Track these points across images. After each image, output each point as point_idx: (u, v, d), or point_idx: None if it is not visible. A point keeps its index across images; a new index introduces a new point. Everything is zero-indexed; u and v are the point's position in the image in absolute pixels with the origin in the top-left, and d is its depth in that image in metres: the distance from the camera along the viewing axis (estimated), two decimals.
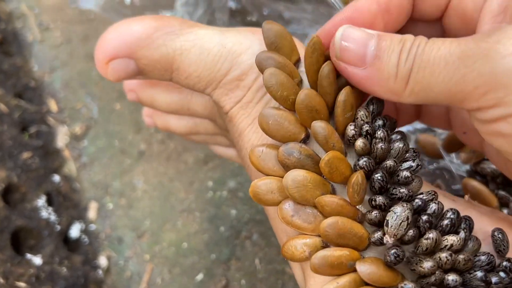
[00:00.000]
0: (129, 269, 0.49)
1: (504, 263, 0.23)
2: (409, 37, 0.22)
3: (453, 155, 0.39)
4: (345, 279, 0.22)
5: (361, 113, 0.24)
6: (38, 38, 0.67)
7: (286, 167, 0.23)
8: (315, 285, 0.23)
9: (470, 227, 0.23)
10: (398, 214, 0.21)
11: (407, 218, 0.21)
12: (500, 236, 0.23)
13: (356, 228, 0.22)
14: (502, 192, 0.34)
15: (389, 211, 0.22)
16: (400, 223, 0.21)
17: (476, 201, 0.34)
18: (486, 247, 0.24)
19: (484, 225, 0.25)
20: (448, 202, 0.25)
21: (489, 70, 0.18)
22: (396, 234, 0.21)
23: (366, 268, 0.21)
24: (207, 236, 0.49)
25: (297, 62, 0.26)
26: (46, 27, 0.68)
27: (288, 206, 0.23)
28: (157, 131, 0.57)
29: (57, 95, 0.62)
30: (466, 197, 0.27)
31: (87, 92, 0.61)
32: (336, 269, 0.22)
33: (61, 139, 0.59)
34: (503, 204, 0.34)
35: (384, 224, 0.22)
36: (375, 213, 0.22)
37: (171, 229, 0.50)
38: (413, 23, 0.27)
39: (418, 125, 0.41)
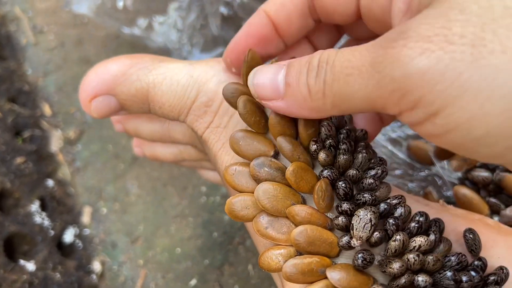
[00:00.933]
0: (123, 274, 0.49)
1: (476, 262, 0.23)
2: (316, 53, 0.22)
3: (444, 162, 0.39)
4: (319, 286, 0.22)
5: (323, 129, 0.25)
6: (31, 42, 0.67)
7: (258, 181, 0.24)
8: None
9: (440, 228, 0.24)
10: (361, 216, 0.22)
11: (370, 220, 0.22)
12: (471, 236, 0.24)
13: (325, 234, 0.23)
14: (493, 200, 0.34)
15: (354, 215, 0.23)
16: (364, 225, 0.22)
17: (466, 208, 0.34)
18: (460, 247, 0.25)
19: (457, 226, 0.25)
20: (420, 207, 0.26)
21: (400, 74, 0.18)
22: (361, 236, 0.22)
23: (335, 274, 0.22)
24: (200, 241, 0.49)
25: None
26: (40, 31, 0.68)
27: (262, 219, 0.24)
28: None
29: (51, 99, 0.62)
30: (441, 201, 0.28)
31: None
32: (308, 277, 0.22)
33: (55, 143, 0.59)
34: (494, 211, 0.35)
35: (350, 228, 0.22)
36: (341, 218, 0.23)
37: (165, 234, 0.50)
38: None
39: (410, 131, 0.41)
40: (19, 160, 0.55)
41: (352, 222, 0.22)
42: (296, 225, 0.24)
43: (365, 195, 0.23)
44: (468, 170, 0.36)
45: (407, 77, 0.18)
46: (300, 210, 0.23)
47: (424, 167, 0.39)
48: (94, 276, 0.50)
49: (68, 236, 0.52)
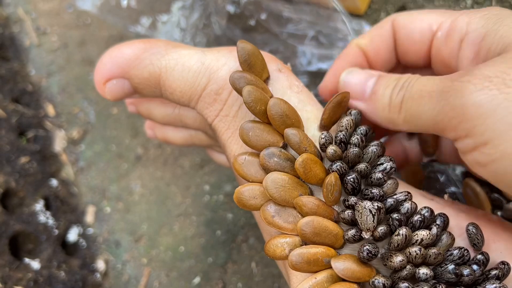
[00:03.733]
0: (127, 273, 0.49)
1: (478, 256, 0.24)
2: (405, 75, 0.25)
3: None
4: (323, 275, 0.23)
5: (345, 122, 0.26)
6: (35, 43, 0.67)
7: (267, 171, 0.25)
8: (297, 282, 0.24)
9: (444, 223, 0.24)
10: (361, 210, 0.23)
11: (370, 211, 0.22)
12: (474, 230, 0.24)
13: (331, 226, 0.23)
14: (495, 195, 0.34)
15: (355, 211, 0.23)
16: (366, 218, 0.22)
17: (470, 202, 0.34)
18: (463, 242, 0.25)
19: (461, 221, 0.26)
20: (425, 201, 0.26)
21: (460, 103, 0.21)
22: (368, 228, 0.22)
23: (340, 264, 0.22)
24: (203, 240, 0.49)
25: (267, 79, 0.28)
26: (43, 32, 0.68)
27: (269, 208, 0.24)
28: None
29: (54, 100, 0.62)
30: (446, 196, 0.28)
31: (84, 96, 0.62)
32: (313, 266, 0.23)
33: (59, 143, 0.59)
34: (496, 206, 0.35)
35: (357, 223, 0.23)
36: (347, 212, 0.23)
37: (168, 233, 0.50)
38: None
39: None
40: (23, 159, 0.55)
41: (356, 217, 0.23)
42: (303, 216, 0.24)
43: (373, 190, 0.24)
44: None
45: (465, 107, 0.21)
46: (307, 201, 0.24)
47: (428, 164, 0.39)
48: (98, 275, 0.50)
49: (72, 235, 0.53)
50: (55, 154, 0.58)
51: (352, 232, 0.23)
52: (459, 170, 0.38)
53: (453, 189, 0.38)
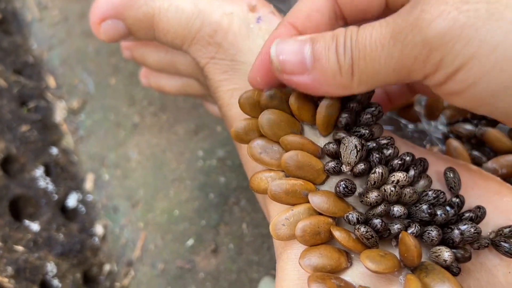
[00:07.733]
0: (124, 237, 0.51)
1: (453, 199, 0.24)
2: (339, 31, 0.22)
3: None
4: (300, 208, 0.23)
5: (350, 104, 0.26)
6: (36, 17, 0.69)
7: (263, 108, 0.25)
8: (274, 212, 0.25)
9: (424, 167, 0.25)
10: (347, 144, 0.23)
11: (355, 146, 0.23)
12: (451, 174, 0.25)
13: (314, 161, 0.24)
14: (475, 153, 0.35)
15: (340, 143, 0.24)
16: (350, 152, 0.23)
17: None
18: (441, 187, 0.25)
19: (440, 167, 0.26)
20: (407, 148, 0.27)
21: (421, 39, 0.19)
22: (349, 162, 0.23)
23: (316, 198, 0.23)
24: (197, 203, 0.51)
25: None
26: (44, 6, 0.69)
27: (256, 144, 0.25)
28: (150, 104, 0.58)
29: (55, 72, 0.64)
30: (428, 146, 0.29)
31: (84, 68, 0.63)
32: (291, 197, 0.23)
33: (59, 113, 0.61)
34: (476, 164, 0.36)
35: (339, 156, 0.24)
36: (331, 145, 0.24)
37: (164, 197, 0.52)
38: None
39: None
40: (24, 128, 0.57)
41: (340, 151, 0.24)
42: None
43: (363, 130, 0.24)
44: (451, 123, 0.37)
45: (428, 41, 0.19)
46: (292, 140, 0.24)
47: (410, 123, 0.40)
48: (96, 239, 0.52)
49: (72, 201, 0.54)
50: (55, 124, 0.60)
51: (332, 164, 0.24)
52: (440, 130, 0.39)
53: (435, 150, 0.39)
